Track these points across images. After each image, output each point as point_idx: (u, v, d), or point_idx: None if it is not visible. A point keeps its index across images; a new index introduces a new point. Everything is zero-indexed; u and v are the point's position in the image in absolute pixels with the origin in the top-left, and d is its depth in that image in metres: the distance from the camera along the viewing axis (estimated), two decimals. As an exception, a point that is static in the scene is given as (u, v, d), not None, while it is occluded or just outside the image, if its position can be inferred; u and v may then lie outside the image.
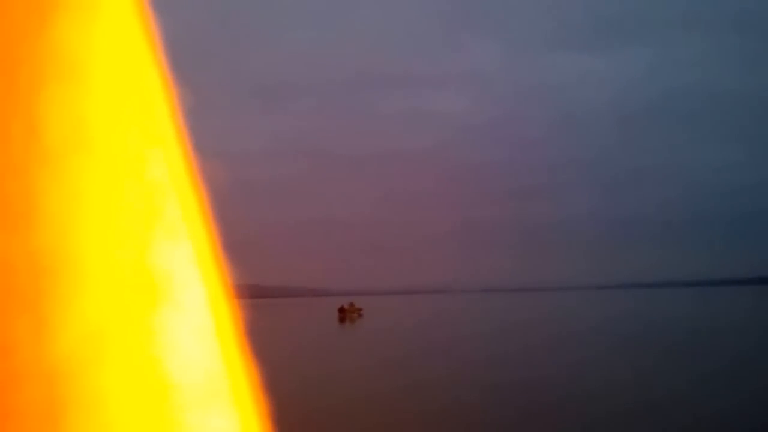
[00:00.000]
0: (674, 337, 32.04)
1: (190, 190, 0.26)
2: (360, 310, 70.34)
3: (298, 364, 22.49)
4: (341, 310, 68.97)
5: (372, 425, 12.72)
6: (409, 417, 13.27)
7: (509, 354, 25.43)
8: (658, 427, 12.11)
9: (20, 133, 0.22)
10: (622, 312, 64.33)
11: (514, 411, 13.79)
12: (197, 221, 0.26)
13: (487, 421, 12.89)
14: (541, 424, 12.59)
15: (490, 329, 42.12)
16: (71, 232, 0.23)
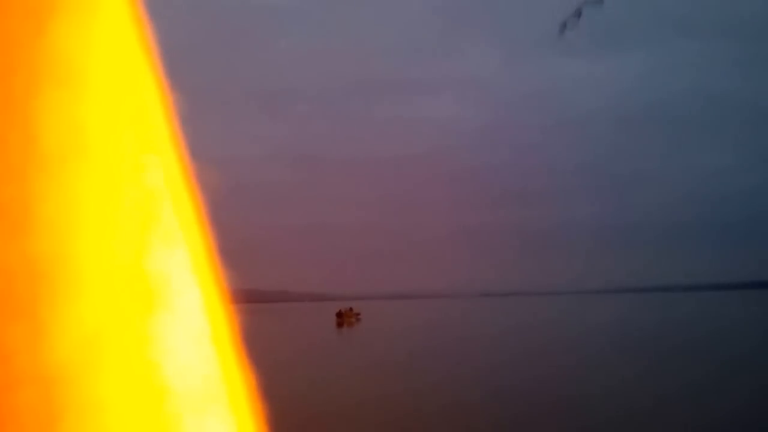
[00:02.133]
0: (673, 341, 32.03)
1: (186, 196, 0.26)
2: (358, 314, 70.24)
3: (296, 369, 22.44)
4: (339, 314, 68.86)
5: (370, 431, 12.69)
6: (407, 422, 13.23)
7: (508, 358, 25.40)
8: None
9: (17, 139, 0.22)
10: (620, 316, 64.33)
11: (513, 416, 13.76)
12: (194, 226, 0.26)
13: (486, 427, 12.86)
14: (542, 429, 12.56)
15: (489, 334, 42.10)
16: (68, 237, 0.23)
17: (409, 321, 68.25)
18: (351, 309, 71.34)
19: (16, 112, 0.23)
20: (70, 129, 0.23)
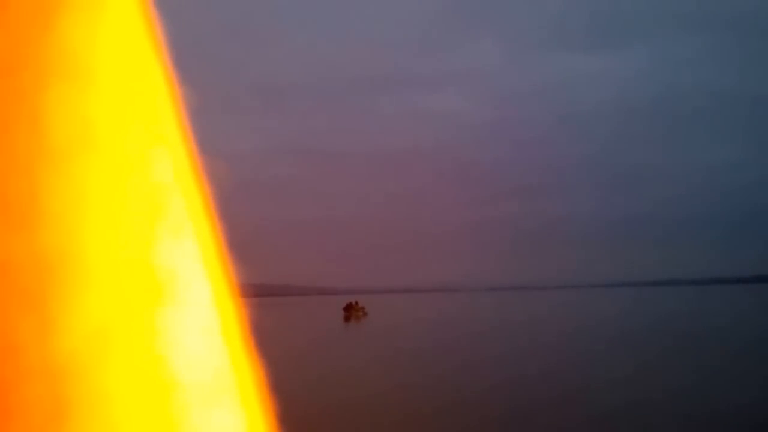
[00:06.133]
0: (676, 334, 32.00)
1: (194, 189, 0.26)
2: (363, 308, 70.26)
3: (304, 362, 22.50)
4: (346, 308, 68.94)
5: (378, 424, 12.73)
6: (414, 415, 13.27)
7: (513, 352, 25.42)
8: (659, 425, 12.10)
9: (25, 133, 0.22)
10: (624, 310, 64.31)
11: (519, 408, 13.79)
12: (201, 220, 0.26)
13: (493, 420, 12.89)
14: (546, 422, 12.59)
15: (495, 327, 42.11)
16: (76, 231, 0.23)
17: (416, 315, 68.35)
18: (357, 303, 71.40)
19: (25, 107, 0.23)
20: (79, 123, 0.23)
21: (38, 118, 0.23)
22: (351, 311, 67.75)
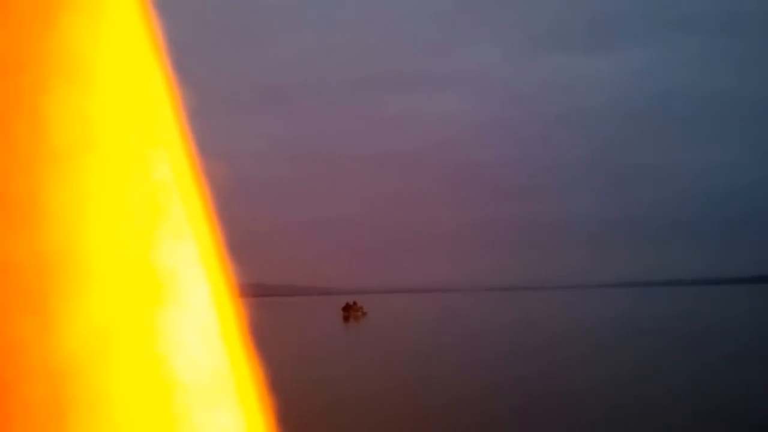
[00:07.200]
0: (675, 335, 32.01)
1: (194, 190, 0.26)
2: (362, 308, 70.28)
3: (303, 362, 22.50)
4: (345, 308, 68.97)
5: (377, 424, 12.73)
6: (413, 415, 13.27)
7: (512, 352, 25.43)
8: (659, 425, 12.10)
9: (25, 133, 0.23)
10: (623, 310, 64.31)
11: (518, 408, 13.79)
12: (201, 220, 0.26)
13: (493, 420, 12.89)
14: (545, 422, 12.59)
15: (494, 327, 42.13)
16: (76, 231, 0.23)
17: (415, 315, 68.39)
18: (355, 303, 71.39)
19: (25, 107, 0.23)
20: (79, 124, 0.23)
21: (38, 118, 0.23)
22: (350, 311, 67.75)
